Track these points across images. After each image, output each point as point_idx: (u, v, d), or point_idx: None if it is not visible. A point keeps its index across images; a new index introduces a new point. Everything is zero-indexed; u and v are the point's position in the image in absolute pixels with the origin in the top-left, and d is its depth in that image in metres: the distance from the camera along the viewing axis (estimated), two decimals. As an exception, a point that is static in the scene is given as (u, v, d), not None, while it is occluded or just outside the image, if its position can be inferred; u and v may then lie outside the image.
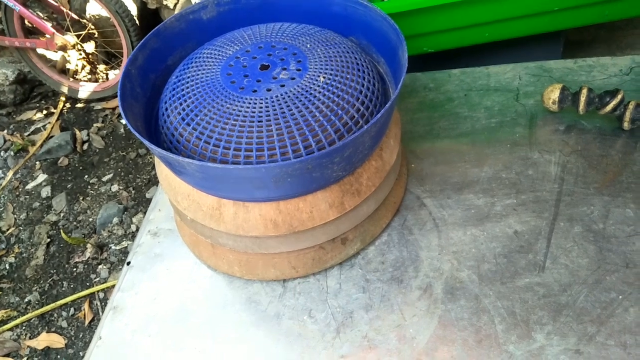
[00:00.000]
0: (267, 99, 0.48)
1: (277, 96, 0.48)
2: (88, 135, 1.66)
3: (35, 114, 1.79)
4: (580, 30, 1.22)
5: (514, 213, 0.56)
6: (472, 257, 0.53)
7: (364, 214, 0.53)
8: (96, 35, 1.80)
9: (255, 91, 0.49)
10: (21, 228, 1.42)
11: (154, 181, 1.49)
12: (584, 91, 0.62)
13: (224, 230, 0.49)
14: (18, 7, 1.59)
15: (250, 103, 0.47)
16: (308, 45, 0.53)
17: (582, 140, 0.62)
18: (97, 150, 1.61)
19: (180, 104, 0.49)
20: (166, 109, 0.51)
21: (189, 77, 0.52)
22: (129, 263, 0.59)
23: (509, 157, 0.62)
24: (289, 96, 0.48)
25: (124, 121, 1.72)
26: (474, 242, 0.55)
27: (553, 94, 0.63)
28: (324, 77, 0.49)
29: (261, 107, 0.47)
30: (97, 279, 1.26)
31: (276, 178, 0.43)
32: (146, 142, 0.43)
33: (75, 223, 1.40)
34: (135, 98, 0.51)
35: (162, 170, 0.53)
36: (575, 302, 0.48)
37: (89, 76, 1.87)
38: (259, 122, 0.46)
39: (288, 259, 0.52)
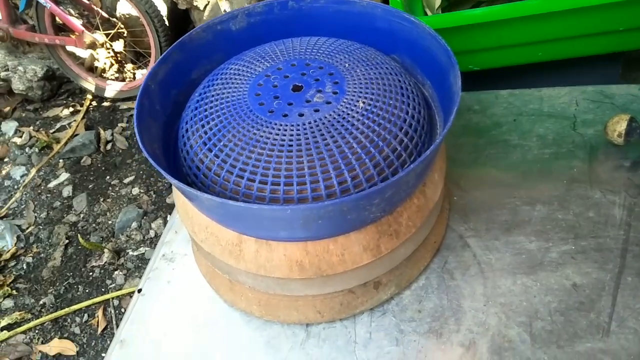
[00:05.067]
0: (298, 125, 0.42)
1: (310, 122, 0.42)
2: (112, 135, 1.64)
3: (61, 111, 1.78)
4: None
5: (572, 262, 0.49)
6: (523, 312, 0.47)
7: (401, 256, 0.47)
8: (125, 35, 1.79)
9: (285, 115, 0.43)
10: (41, 227, 1.40)
11: (175, 186, 1.46)
12: (657, 124, 0.54)
13: (243, 268, 0.44)
14: (49, 5, 1.58)
15: (279, 129, 0.42)
16: (346, 65, 0.47)
17: (651, 180, 0.55)
18: (120, 151, 1.59)
19: (202, 126, 0.44)
20: (187, 131, 0.46)
21: (213, 96, 0.46)
22: (140, 290, 0.55)
23: (566, 194, 0.55)
24: (323, 123, 0.42)
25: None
26: (525, 293, 0.48)
27: (619, 126, 0.56)
28: (363, 102, 0.44)
29: (292, 135, 0.42)
30: (113, 284, 1.24)
31: (305, 219, 0.38)
32: (161, 171, 0.39)
33: (94, 225, 1.38)
34: (153, 117, 0.47)
35: (180, 197, 0.48)
36: (649, 380, 0.41)
37: (117, 75, 1.86)
38: (288, 151, 0.41)
39: (313, 303, 0.47)
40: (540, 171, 0.58)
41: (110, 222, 1.38)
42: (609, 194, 0.54)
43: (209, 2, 1.67)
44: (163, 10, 1.69)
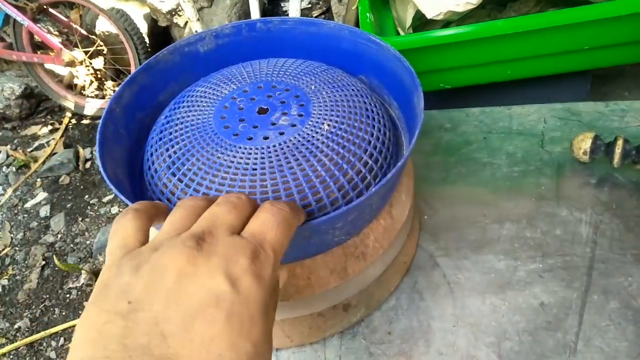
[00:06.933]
0: (263, 148, 0.42)
1: (274, 145, 0.42)
2: (91, 153, 1.62)
3: (40, 129, 1.76)
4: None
5: (539, 280, 0.50)
6: (491, 332, 0.47)
7: (370, 277, 0.47)
8: (105, 52, 1.78)
9: (250, 139, 0.43)
10: (17, 248, 1.37)
11: (155, 204, 1.44)
12: (620, 142, 0.55)
13: (209, 294, 0.43)
14: (27, 22, 1.57)
15: (244, 153, 0.42)
16: (312, 87, 0.48)
17: (616, 197, 0.56)
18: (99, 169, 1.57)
19: (167, 150, 0.44)
20: (151, 154, 0.45)
21: (178, 119, 0.46)
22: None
23: (534, 212, 0.56)
24: (287, 146, 0.42)
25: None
26: (493, 313, 0.48)
27: (584, 144, 0.57)
28: (328, 125, 0.44)
29: (256, 158, 0.41)
30: (90, 307, 1.21)
31: (268, 245, 0.37)
32: (123, 198, 0.38)
33: (72, 245, 1.35)
34: (117, 141, 0.46)
35: (145, 222, 0.47)
36: (615, 400, 0.41)
37: (96, 92, 1.85)
38: (252, 175, 0.41)
39: (281, 327, 0.46)
40: (509, 189, 0.59)
41: (88, 242, 1.36)
42: (575, 212, 0.55)
43: (188, 19, 1.68)
44: (143, 27, 1.70)
